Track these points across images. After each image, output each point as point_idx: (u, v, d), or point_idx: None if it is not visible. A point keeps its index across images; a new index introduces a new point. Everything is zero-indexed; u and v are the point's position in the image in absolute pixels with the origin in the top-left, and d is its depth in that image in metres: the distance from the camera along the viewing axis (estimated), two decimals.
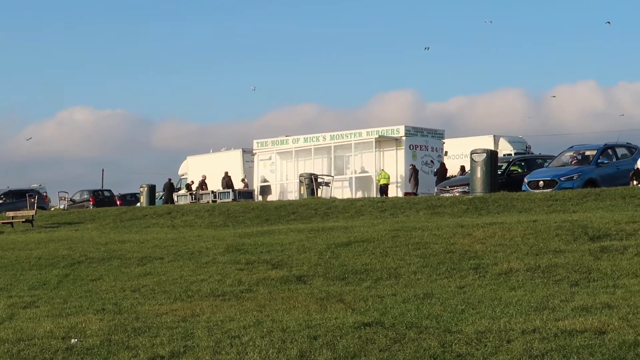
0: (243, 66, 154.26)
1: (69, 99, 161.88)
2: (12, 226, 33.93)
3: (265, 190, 44.59)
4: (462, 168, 42.31)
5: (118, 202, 55.65)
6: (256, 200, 41.98)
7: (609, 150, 29.70)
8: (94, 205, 52.74)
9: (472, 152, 30.52)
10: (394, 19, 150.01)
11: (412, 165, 39.82)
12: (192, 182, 47.97)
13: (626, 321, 8.76)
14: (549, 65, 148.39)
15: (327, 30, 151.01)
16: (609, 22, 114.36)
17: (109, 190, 61.74)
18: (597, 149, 30.00)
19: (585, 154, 30.64)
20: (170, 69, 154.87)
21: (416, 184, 38.83)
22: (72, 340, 9.49)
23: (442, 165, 40.37)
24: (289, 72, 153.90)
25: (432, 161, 41.10)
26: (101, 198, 58.05)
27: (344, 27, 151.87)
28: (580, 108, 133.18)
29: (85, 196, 57.35)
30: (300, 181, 40.68)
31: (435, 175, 39.41)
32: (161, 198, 49.60)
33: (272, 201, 37.10)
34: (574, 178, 28.69)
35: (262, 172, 45.83)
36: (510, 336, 8.40)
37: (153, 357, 8.54)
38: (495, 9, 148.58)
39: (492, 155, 30.24)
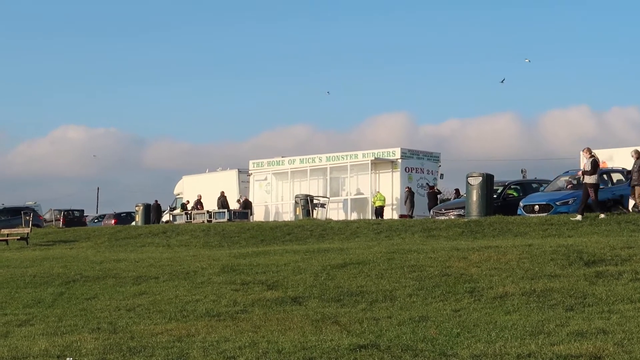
0: (235, 85, 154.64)
1: (62, 117, 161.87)
2: (7, 243, 33.87)
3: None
4: (457, 191, 42.41)
5: (113, 221, 55.72)
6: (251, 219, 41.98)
7: (604, 175, 29.71)
8: (64, 224, 54.58)
9: (468, 176, 30.55)
10: (386, 40, 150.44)
11: (408, 187, 39.89)
12: (188, 201, 47.97)
13: (621, 347, 8.76)
14: (541, 90, 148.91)
15: (320, 51, 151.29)
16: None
17: (80, 210, 62.50)
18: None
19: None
20: (162, 88, 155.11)
21: (412, 206, 38.90)
22: (68, 359, 9.48)
23: (432, 188, 40.42)
24: (281, 93, 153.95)
25: (427, 184, 41.13)
26: (71, 218, 59.06)
27: (337, 47, 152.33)
28: (573, 133, 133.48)
29: (56, 215, 58.91)
30: (296, 202, 40.70)
31: (406, 197, 39.57)
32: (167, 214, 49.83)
33: (267, 222, 37.09)
34: (570, 202, 28.69)
35: (243, 192, 46.10)
36: None
37: None
38: (491, 32, 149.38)
39: (487, 178, 30.28)
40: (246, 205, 44.61)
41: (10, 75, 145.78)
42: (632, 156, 26.51)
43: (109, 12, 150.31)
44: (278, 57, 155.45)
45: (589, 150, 24.91)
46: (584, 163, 24.97)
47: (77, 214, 60.57)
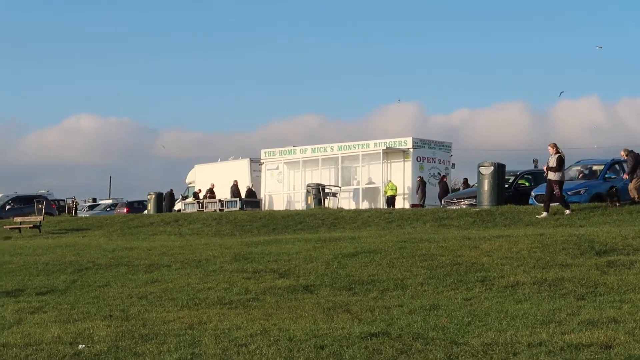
0: (245, 75, 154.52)
1: (76, 106, 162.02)
2: (20, 232, 34.02)
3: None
4: (465, 181, 42.38)
5: (125, 210, 55.74)
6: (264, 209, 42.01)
7: (616, 165, 29.63)
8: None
9: (480, 165, 30.48)
10: (396, 30, 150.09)
11: (420, 177, 39.84)
12: (200, 190, 48.00)
13: (632, 336, 8.74)
14: (552, 80, 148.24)
15: (329, 41, 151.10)
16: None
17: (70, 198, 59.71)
18: (605, 164, 29.93)
19: (593, 169, 30.59)
20: (174, 77, 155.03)
21: (423, 195, 38.85)
22: (80, 346, 9.50)
23: (443, 178, 40.36)
24: (291, 83, 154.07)
25: (439, 173, 41.10)
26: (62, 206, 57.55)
27: (347, 36, 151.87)
28: (583, 122, 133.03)
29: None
30: (308, 191, 40.70)
31: (418, 187, 39.53)
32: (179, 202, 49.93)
33: (279, 211, 37.10)
34: (581, 192, 28.64)
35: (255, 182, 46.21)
36: (517, 349, 8.39)
37: None
38: (500, 25, 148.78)
39: (499, 168, 30.19)
40: (250, 194, 44.63)
41: (24, 63, 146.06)
42: (622, 155, 26.75)
43: (127, 6, 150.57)
44: (287, 47, 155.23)
45: (555, 146, 24.39)
46: (550, 159, 24.57)
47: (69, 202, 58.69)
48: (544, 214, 23.93)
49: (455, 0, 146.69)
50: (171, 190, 50.78)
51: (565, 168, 25.63)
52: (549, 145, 24.90)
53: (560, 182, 24.35)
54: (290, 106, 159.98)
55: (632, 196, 25.75)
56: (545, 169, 25.29)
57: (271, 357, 8.56)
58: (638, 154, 26.87)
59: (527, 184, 33.79)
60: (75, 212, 53.58)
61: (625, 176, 26.38)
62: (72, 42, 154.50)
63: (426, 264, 15.18)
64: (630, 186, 25.81)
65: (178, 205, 49.14)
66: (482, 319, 10.31)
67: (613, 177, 27.89)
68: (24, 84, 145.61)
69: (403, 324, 10.18)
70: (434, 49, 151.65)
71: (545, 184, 31.68)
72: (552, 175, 24.28)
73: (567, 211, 24.01)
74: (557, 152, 24.37)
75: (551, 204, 24.45)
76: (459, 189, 42.92)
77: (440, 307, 11.42)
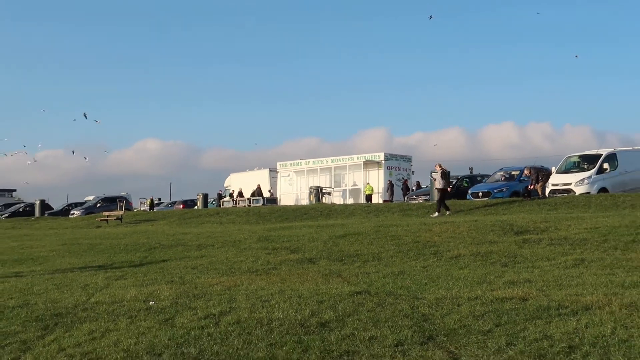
0: (266, 109, 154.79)
1: (143, 133, 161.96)
2: (107, 222, 34.05)
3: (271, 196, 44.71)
4: (418, 183, 42.51)
5: (181, 206, 55.61)
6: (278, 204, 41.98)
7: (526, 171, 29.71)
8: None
9: (432, 172, 30.49)
10: (372, 75, 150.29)
11: (390, 180, 39.86)
12: (234, 191, 47.96)
13: (542, 292, 8.75)
14: (481, 108, 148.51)
15: (324, 84, 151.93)
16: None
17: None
18: (520, 170, 30.05)
19: (512, 174, 30.68)
20: (215, 110, 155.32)
21: (392, 194, 38.85)
22: (150, 303, 9.50)
23: (405, 182, 40.45)
24: (298, 116, 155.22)
25: (403, 178, 41.14)
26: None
27: (336, 81, 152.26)
28: (502, 141, 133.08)
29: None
30: (310, 191, 40.70)
31: (387, 188, 39.47)
32: (212, 202, 49.66)
33: (290, 205, 37.07)
34: (504, 190, 28.73)
35: (273, 186, 46.01)
36: (460, 302, 8.39)
37: (207, 315, 8.54)
38: (444, 63, 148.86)
39: (445, 173, 30.21)
40: (259, 192, 44.58)
41: (106, 102, 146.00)
42: (525, 173, 26.76)
43: (188, 45, 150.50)
44: (297, 89, 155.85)
45: (440, 165, 23.86)
46: (436, 174, 23.82)
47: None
48: (436, 214, 23.00)
49: (414, 46, 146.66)
50: (220, 191, 50.73)
51: (492, 173, 25.59)
52: (436, 165, 24.22)
53: (444, 190, 23.44)
54: (297, 131, 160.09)
55: (539, 193, 25.84)
56: (434, 180, 24.85)
57: (286, 309, 8.55)
58: (537, 167, 27.16)
59: (465, 184, 33.81)
60: (153, 207, 53.46)
61: (530, 187, 26.09)
62: (146, 88, 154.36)
63: (395, 242, 15.18)
64: (537, 187, 25.91)
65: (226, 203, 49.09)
66: (435, 280, 10.31)
67: (526, 179, 27.91)
68: (109, 118, 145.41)
69: (379, 284, 10.18)
70: (398, 91, 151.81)
71: (478, 184, 31.79)
72: (437, 185, 23.62)
73: (448, 212, 23.11)
74: (442, 169, 23.78)
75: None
76: (414, 189, 42.96)
77: (405, 272, 11.42)
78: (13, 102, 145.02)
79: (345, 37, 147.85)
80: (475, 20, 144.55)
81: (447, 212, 23.11)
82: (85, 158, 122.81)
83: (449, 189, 24.37)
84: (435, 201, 24.36)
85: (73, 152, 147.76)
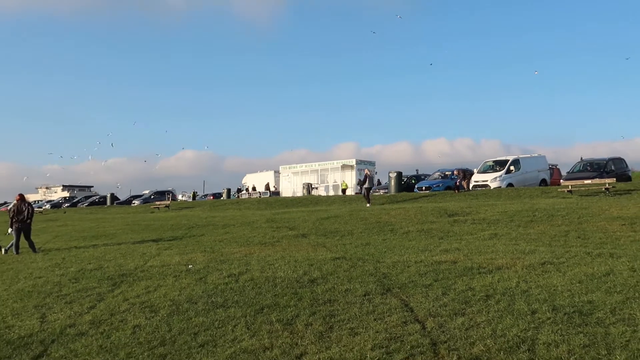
0: (271, 126, 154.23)
1: (182, 144, 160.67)
2: (158, 209, 33.77)
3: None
4: (379, 181, 42.37)
5: (212, 197, 55.34)
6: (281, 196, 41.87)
7: (455, 172, 29.82)
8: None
9: (389, 172, 30.62)
10: (348, 98, 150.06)
11: (359, 179, 39.78)
12: (249, 187, 47.77)
13: (467, 257, 8.76)
14: (422, 126, 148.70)
15: (312, 106, 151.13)
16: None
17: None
18: (451, 171, 30.14)
19: (446, 173, 30.75)
20: (235, 124, 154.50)
21: (361, 188, 38.72)
22: (189, 266, 9.47)
23: (366, 175, 40.19)
24: (293, 130, 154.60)
25: (365, 175, 41.00)
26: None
27: (320, 103, 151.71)
28: (438, 150, 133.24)
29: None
30: (303, 187, 40.61)
31: (357, 184, 39.41)
32: (234, 195, 49.41)
33: (289, 197, 36.97)
34: (440, 186, 28.77)
35: (277, 183, 45.75)
36: (409, 264, 8.39)
37: (230, 274, 8.51)
38: (393, 95, 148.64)
39: (399, 174, 30.40)
40: (267, 188, 44.36)
41: (162, 124, 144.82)
42: (455, 173, 26.42)
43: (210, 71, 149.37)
44: (294, 108, 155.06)
45: (367, 170, 23.77)
46: (363, 175, 23.75)
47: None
48: (368, 204, 21.84)
49: (379, 76, 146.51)
50: (239, 187, 50.42)
51: (432, 173, 25.55)
52: (365, 170, 23.80)
53: (369, 189, 22.91)
54: (293, 144, 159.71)
55: (465, 188, 25.90)
56: (362, 180, 24.55)
57: (286, 269, 8.53)
58: (464, 169, 27.24)
59: (413, 181, 33.85)
60: (195, 198, 53.12)
61: (458, 183, 25.91)
62: (189, 108, 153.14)
63: (363, 222, 15.17)
64: (464, 183, 25.99)
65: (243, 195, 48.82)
66: (392, 249, 10.31)
67: (455, 177, 27.99)
68: (156, 138, 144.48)
69: (352, 252, 10.16)
70: (365, 114, 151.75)
71: (422, 181, 31.75)
72: (364, 184, 23.24)
73: (368, 205, 21.72)
74: (366, 173, 23.68)
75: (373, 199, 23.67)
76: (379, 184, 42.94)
77: (370, 244, 11.41)
78: (89, 127, 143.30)
79: (321, 71, 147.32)
80: (414, 53, 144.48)
81: (367, 205, 21.88)
82: (144, 161, 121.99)
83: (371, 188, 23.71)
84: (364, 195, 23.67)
85: (145, 161, 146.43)
